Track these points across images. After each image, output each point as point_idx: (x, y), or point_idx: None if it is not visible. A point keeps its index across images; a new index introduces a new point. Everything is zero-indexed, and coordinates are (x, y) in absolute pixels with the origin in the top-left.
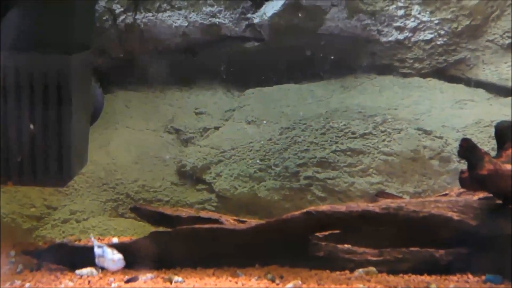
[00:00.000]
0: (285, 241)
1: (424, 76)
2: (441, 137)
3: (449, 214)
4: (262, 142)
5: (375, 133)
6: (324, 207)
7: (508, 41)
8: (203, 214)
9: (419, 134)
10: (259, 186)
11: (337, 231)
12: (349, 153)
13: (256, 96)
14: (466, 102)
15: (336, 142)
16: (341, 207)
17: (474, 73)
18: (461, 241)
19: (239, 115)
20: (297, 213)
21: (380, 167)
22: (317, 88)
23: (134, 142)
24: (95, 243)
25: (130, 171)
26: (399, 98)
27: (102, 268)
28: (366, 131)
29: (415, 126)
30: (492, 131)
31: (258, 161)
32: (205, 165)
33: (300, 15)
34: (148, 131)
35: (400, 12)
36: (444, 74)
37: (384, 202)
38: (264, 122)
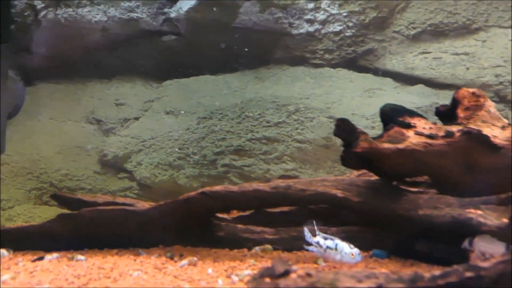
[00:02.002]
0: (186, 221)
1: (334, 66)
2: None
3: (334, 191)
4: (180, 131)
5: (289, 121)
6: (218, 187)
7: (413, 31)
8: (119, 199)
9: (330, 122)
10: (178, 173)
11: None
12: (264, 141)
13: (174, 88)
14: (374, 91)
15: (252, 131)
16: (234, 188)
17: (382, 63)
18: (353, 219)
19: (158, 106)
20: (193, 193)
21: (294, 154)
22: (232, 79)
23: (57, 133)
24: None
25: (53, 160)
26: (311, 88)
27: None
28: (280, 120)
29: (326, 115)
30: None
31: (177, 150)
32: (126, 154)
33: (215, 9)
34: (71, 122)
35: (310, 5)
36: (353, 64)
37: (274, 182)
38: (182, 112)
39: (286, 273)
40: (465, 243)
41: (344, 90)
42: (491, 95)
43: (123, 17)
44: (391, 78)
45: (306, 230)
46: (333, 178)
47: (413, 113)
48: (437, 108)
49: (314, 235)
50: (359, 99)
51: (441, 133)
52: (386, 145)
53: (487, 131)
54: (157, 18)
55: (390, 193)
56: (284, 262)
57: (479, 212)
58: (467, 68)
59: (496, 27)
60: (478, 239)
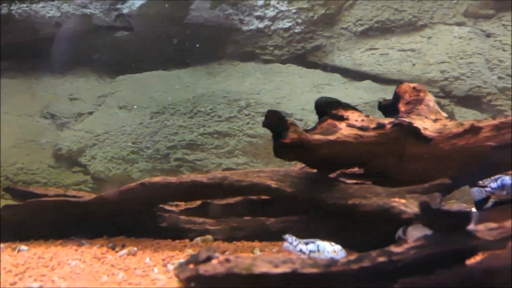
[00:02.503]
0: (127, 212)
1: (284, 62)
2: (301, 119)
3: (268, 182)
4: (133, 126)
5: (240, 116)
6: (157, 178)
7: (360, 28)
8: (70, 192)
9: None
10: (132, 167)
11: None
12: (216, 135)
13: (127, 83)
14: (323, 86)
15: (204, 126)
16: (173, 179)
17: (330, 59)
18: (289, 209)
19: (111, 100)
20: (133, 184)
21: (246, 148)
22: (184, 74)
23: (11, 127)
24: None
25: (8, 154)
26: (261, 84)
27: None
28: (232, 115)
29: (277, 109)
30: None
31: (130, 144)
32: (80, 148)
33: (166, 5)
34: (25, 116)
35: (260, 2)
36: (302, 60)
37: (212, 173)
38: (135, 107)
39: (208, 260)
40: (399, 232)
41: (294, 85)
42: (436, 90)
43: (77, 13)
44: (339, 73)
45: (285, 244)
46: (269, 170)
47: (347, 106)
48: (380, 103)
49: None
50: (308, 94)
51: (373, 125)
52: (317, 137)
53: (418, 123)
54: (110, 14)
55: (322, 184)
56: (209, 250)
57: (403, 201)
58: (413, 64)
59: (441, 24)
60: (411, 228)
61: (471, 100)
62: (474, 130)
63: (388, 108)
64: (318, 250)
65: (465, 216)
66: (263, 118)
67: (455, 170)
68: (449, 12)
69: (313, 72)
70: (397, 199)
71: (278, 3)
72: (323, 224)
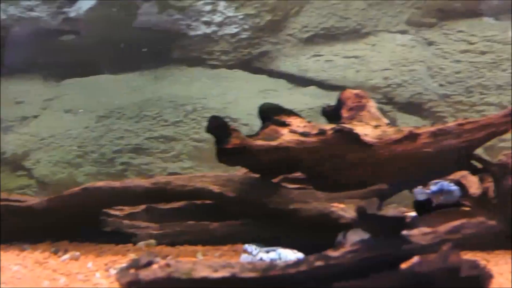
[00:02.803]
0: (71, 217)
1: (230, 67)
2: (247, 124)
3: (211, 187)
4: (79, 130)
5: (186, 121)
6: (100, 183)
7: (306, 35)
8: (14, 196)
9: (227, 122)
10: (77, 171)
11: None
12: (162, 140)
13: (74, 86)
14: (269, 91)
15: (150, 130)
16: (116, 183)
17: (276, 65)
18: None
19: (57, 104)
20: (76, 189)
21: (191, 152)
22: (131, 79)
23: None
24: None
25: None
26: (208, 88)
27: None
28: (178, 119)
29: (223, 115)
30: None
31: (75, 148)
32: (24, 152)
33: (114, 9)
34: None
35: (207, 8)
36: (249, 65)
37: (155, 178)
38: (81, 110)
39: (148, 264)
40: (339, 236)
41: (240, 90)
42: (379, 96)
43: (23, 15)
44: (285, 79)
45: (244, 256)
46: (213, 174)
47: (289, 112)
48: (323, 109)
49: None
50: (254, 99)
51: (315, 131)
52: (259, 142)
53: (359, 129)
54: (57, 17)
55: (264, 188)
56: (150, 255)
57: (342, 205)
58: (357, 71)
59: (385, 32)
60: (351, 232)
61: (412, 107)
62: (412, 136)
63: (331, 114)
64: (280, 258)
65: (400, 221)
66: None
67: (394, 175)
68: (392, 20)
69: (259, 78)
70: (336, 204)
71: (225, 9)
72: (265, 228)
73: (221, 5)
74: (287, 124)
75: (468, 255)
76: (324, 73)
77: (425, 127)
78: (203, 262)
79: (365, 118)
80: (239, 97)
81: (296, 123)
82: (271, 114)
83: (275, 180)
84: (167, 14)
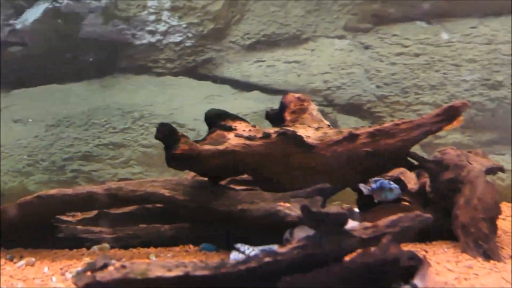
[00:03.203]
0: (25, 224)
1: (176, 75)
2: (193, 129)
3: (162, 191)
4: (29, 139)
5: (134, 127)
6: (53, 191)
7: (248, 42)
8: None
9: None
10: (28, 180)
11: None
12: (111, 146)
13: (22, 97)
14: (214, 97)
15: (99, 137)
16: (69, 190)
17: (220, 71)
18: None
19: (6, 114)
20: (29, 197)
21: (140, 158)
22: (79, 88)
23: None
24: None
25: None
26: (155, 96)
27: None
28: (126, 126)
29: (170, 120)
30: None
31: (26, 156)
32: None
33: (59, 21)
34: None
35: (152, 17)
36: (193, 72)
37: (107, 184)
38: (30, 120)
39: (104, 267)
40: (286, 234)
41: (186, 97)
42: (320, 99)
43: None
44: (229, 85)
45: (233, 254)
46: (162, 179)
47: (235, 117)
48: (267, 112)
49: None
50: (200, 105)
51: (259, 135)
52: (207, 147)
53: (302, 132)
54: (3, 29)
55: (212, 191)
56: (105, 258)
57: (287, 204)
58: (298, 75)
59: (323, 37)
60: (297, 229)
61: (352, 108)
62: (352, 137)
63: (275, 117)
64: None
65: (342, 217)
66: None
67: (336, 174)
68: (330, 26)
69: (204, 84)
70: (282, 203)
71: (169, 18)
72: (216, 229)
73: (165, 15)
74: (233, 129)
75: (408, 247)
76: (267, 78)
77: (363, 128)
78: (157, 262)
79: (307, 121)
80: (185, 103)
81: (242, 128)
82: (217, 120)
83: (223, 183)
84: (112, 25)
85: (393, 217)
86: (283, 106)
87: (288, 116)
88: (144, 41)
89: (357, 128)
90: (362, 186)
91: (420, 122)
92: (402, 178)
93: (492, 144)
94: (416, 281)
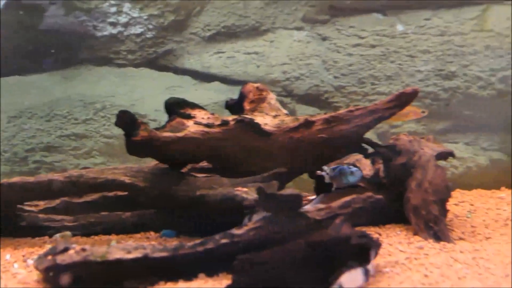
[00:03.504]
0: None
1: (137, 66)
2: (155, 120)
3: (122, 178)
4: None
5: (96, 118)
6: (15, 178)
7: (208, 33)
8: None
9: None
10: None
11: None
12: (73, 137)
13: None
14: (175, 88)
15: (61, 128)
16: (31, 178)
17: (181, 63)
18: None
19: None
20: None
21: (102, 149)
22: (40, 79)
23: None
24: None
25: None
26: (116, 87)
27: None
28: (88, 117)
29: (131, 111)
30: None
31: None
32: None
33: (21, 12)
34: None
35: (113, 9)
36: (154, 64)
37: (68, 172)
38: None
39: (65, 250)
40: (245, 219)
41: (147, 88)
42: (279, 90)
43: None
44: (189, 76)
45: None
46: (123, 166)
47: (194, 105)
48: (226, 102)
49: None
50: (161, 96)
51: (218, 122)
52: (167, 134)
53: (259, 119)
54: None
55: (172, 178)
56: (65, 243)
57: (245, 189)
58: (258, 66)
59: (282, 28)
60: (256, 215)
61: (310, 98)
62: (307, 124)
63: (234, 107)
64: None
65: (297, 199)
66: None
67: (293, 160)
68: (288, 18)
69: (165, 75)
70: (240, 188)
71: (130, 10)
72: (176, 215)
73: (126, 7)
74: (192, 116)
75: (363, 229)
76: (227, 69)
77: (319, 115)
78: (117, 246)
79: (265, 110)
80: (146, 94)
81: (201, 115)
82: (177, 107)
83: (184, 170)
84: (74, 16)
85: (346, 199)
86: (242, 96)
87: (247, 106)
88: (105, 33)
89: (313, 115)
90: (323, 173)
91: (373, 108)
92: (358, 165)
93: (446, 132)
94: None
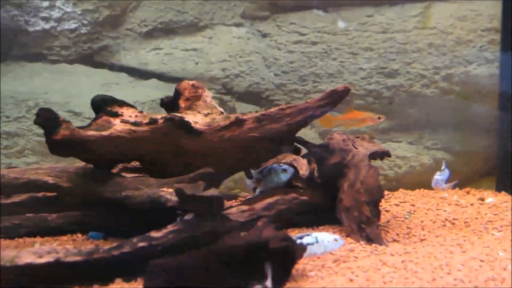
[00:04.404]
0: None
1: (71, 62)
2: (90, 118)
3: (46, 178)
4: None
5: (29, 116)
6: None
7: (145, 29)
8: None
9: (70, 116)
10: None
11: None
12: (5, 136)
13: None
14: (111, 85)
15: None
16: None
17: (117, 59)
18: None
19: None
20: None
21: (35, 148)
22: None
23: None
24: None
25: None
26: (50, 84)
27: None
28: (20, 115)
29: (66, 109)
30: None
31: None
32: None
33: None
34: None
35: (45, 4)
36: (90, 60)
37: None
38: None
39: None
40: (177, 220)
41: (82, 85)
42: (218, 87)
43: None
44: (126, 73)
45: None
46: (47, 166)
47: (122, 103)
48: (161, 100)
49: None
50: (96, 93)
51: (146, 121)
52: (91, 133)
53: (190, 118)
54: None
55: (98, 178)
56: None
57: (170, 190)
58: (196, 63)
59: (221, 25)
60: (187, 216)
61: (251, 96)
62: (238, 122)
63: (169, 104)
64: (317, 242)
65: (218, 200)
66: None
67: (225, 159)
68: (228, 14)
69: (101, 72)
70: (165, 189)
71: (63, 5)
72: (103, 216)
73: (59, 1)
74: (119, 115)
75: (295, 232)
76: (164, 66)
77: (250, 113)
78: (28, 249)
79: (200, 108)
80: (81, 91)
81: (128, 113)
82: (103, 105)
83: (115, 170)
84: (5, 11)
85: (270, 200)
86: (178, 94)
87: (182, 103)
88: (37, 28)
89: (244, 113)
90: (245, 180)
91: (304, 107)
92: (295, 164)
93: (389, 131)
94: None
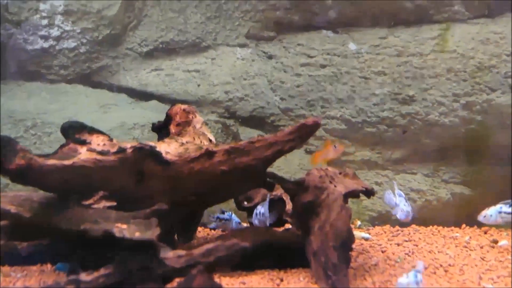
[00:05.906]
0: None
1: (70, 82)
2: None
3: (8, 207)
4: None
5: (26, 136)
6: None
7: (145, 49)
8: None
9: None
10: None
11: None
12: None
13: None
14: (110, 106)
15: None
16: None
17: (116, 79)
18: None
19: None
20: None
21: None
22: None
23: None
24: None
25: None
26: (48, 103)
27: None
28: (18, 135)
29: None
30: (135, 133)
31: None
32: None
33: None
34: None
35: (44, 22)
36: (88, 80)
37: None
38: None
39: None
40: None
41: (80, 105)
42: (221, 111)
43: None
44: (125, 93)
45: None
46: (12, 194)
47: (92, 130)
48: (153, 124)
49: None
50: (95, 114)
51: (114, 150)
52: (51, 162)
53: (162, 147)
54: None
55: (59, 208)
56: None
57: (124, 226)
58: (198, 85)
59: (224, 45)
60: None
61: (255, 120)
62: (209, 154)
63: (161, 129)
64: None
65: (151, 246)
66: (50, 138)
67: (194, 192)
68: (231, 33)
69: (99, 92)
70: (119, 225)
71: (62, 23)
72: (63, 247)
73: (58, 19)
74: (87, 142)
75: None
76: (165, 88)
77: (222, 145)
78: None
79: (189, 134)
80: (79, 111)
81: (97, 142)
82: (72, 132)
83: (95, 198)
84: (3, 28)
85: (209, 246)
86: (169, 118)
87: (173, 129)
88: (36, 46)
89: (217, 144)
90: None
91: (273, 141)
92: (284, 198)
93: (402, 162)
94: None
